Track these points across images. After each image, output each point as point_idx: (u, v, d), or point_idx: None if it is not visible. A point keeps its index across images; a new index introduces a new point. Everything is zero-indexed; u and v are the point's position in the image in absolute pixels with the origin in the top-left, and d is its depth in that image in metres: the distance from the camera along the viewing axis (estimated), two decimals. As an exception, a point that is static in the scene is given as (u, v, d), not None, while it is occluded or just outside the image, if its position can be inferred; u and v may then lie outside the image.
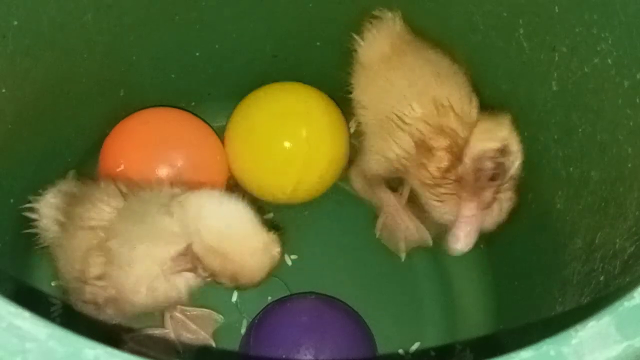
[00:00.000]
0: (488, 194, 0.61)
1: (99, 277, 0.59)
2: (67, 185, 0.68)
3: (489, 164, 0.59)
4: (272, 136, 0.76)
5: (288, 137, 0.75)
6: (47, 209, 0.66)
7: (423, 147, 0.65)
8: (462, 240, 0.61)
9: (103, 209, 0.61)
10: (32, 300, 0.68)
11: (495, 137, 0.60)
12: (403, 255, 0.78)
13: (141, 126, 0.76)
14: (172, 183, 0.63)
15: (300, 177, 0.75)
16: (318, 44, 0.77)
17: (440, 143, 0.64)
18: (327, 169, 0.76)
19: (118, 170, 0.73)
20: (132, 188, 0.63)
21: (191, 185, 0.60)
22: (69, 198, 0.65)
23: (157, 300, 0.59)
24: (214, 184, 0.76)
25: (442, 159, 0.63)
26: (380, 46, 0.72)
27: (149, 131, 0.76)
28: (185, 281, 0.58)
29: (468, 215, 0.61)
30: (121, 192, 0.62)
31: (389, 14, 0.72)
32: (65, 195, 0.66)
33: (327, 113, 0.77)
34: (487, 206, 0.62)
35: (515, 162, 0.60)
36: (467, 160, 0.60)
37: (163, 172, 0.72)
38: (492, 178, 0.60)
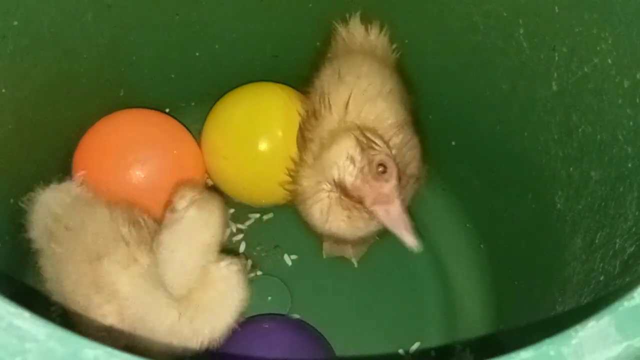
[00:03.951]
0: (388, 190, 0.60)
1: (110, 327, 0.58)
2: (61, 195, 0.65)
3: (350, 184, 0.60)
4: (247, 137, 0.74)
5: (264, 138, 0.74)
6: (39, 221, 0.64)
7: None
8: (412, 239, 0.60)
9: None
10: (32, 300, 0.68)
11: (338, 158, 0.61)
12: (355, 261, 0.78)
13: (111, 131, 0.74)
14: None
15: (277, 178, 0.73)
16: (318, 44, 0.77)
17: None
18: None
19: (79, 175, 0.72)
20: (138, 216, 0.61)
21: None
22: (64, 216, 0.63)
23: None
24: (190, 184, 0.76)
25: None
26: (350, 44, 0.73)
27: (120, 135, 0.74)
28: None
29: (393, 216, 0.60)
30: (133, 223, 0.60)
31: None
32: (58, 212, 0.64)
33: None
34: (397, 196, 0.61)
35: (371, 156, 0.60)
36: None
37: (135, 175, 0.71)
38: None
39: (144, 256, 0.59)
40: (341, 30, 0.74)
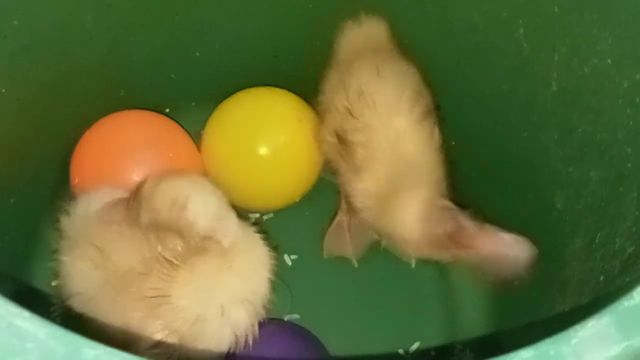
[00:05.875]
0: None
1: (158, 344, 0.56)
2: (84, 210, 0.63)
3: None
4: (248, 142, 0.74)
5: (265, 143, 0.74)
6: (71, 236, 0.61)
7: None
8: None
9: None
10: (32, 300, 0.68)
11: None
12: (355, 261, 0.78)
13: (110, 131, 0.74)
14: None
15: (277, 183, 0.74)
16: (318, 44, 0.77)
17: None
18: (304, 174, 0.75)
19: (74, 183, 0.72)
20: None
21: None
22: (89, 234, 0.60)
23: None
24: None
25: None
26: (359, 46, 0.73)
27: (120, 136, 0.73)
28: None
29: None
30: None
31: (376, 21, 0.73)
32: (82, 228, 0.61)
33: (305, 118, 0.75)
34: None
35: None
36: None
37: (134, 177, 0.70)
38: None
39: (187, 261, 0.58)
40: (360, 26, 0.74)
